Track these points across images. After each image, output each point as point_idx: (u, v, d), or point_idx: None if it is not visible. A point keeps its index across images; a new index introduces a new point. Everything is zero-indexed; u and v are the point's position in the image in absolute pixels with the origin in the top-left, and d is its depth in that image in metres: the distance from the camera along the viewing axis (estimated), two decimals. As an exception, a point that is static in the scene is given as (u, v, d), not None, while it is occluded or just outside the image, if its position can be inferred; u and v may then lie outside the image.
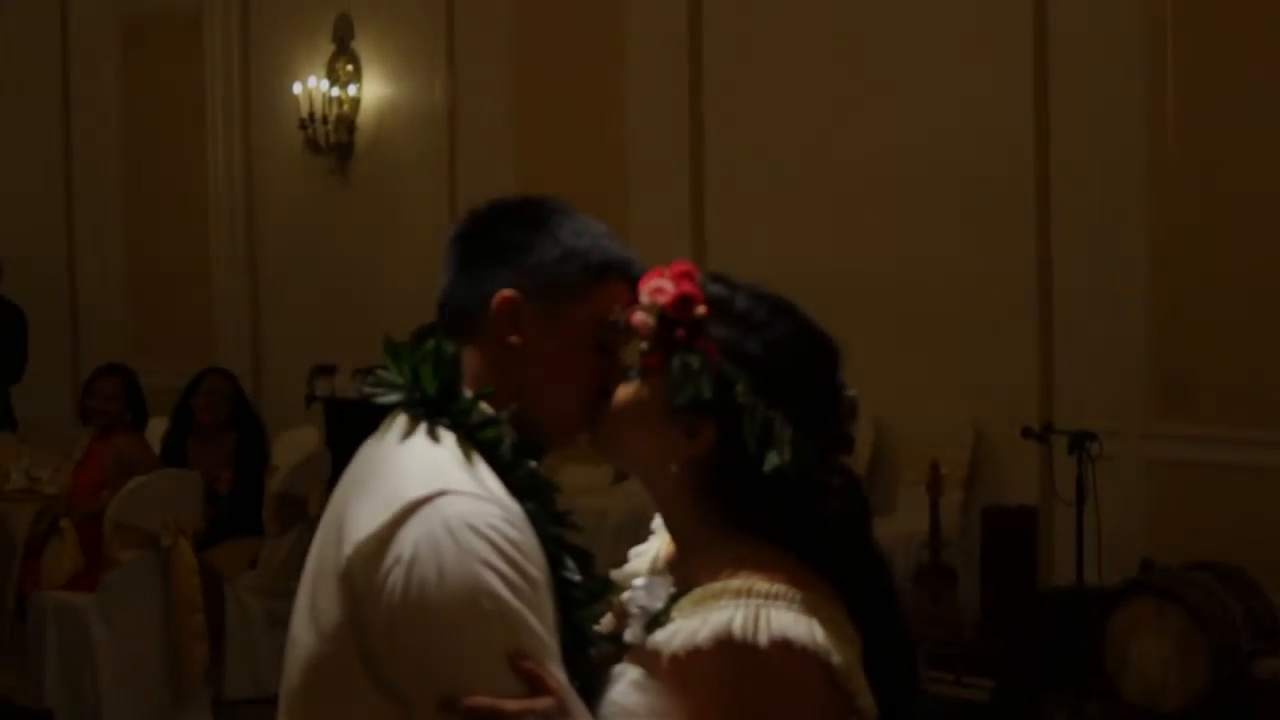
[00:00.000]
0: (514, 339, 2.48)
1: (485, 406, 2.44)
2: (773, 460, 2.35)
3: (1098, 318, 9.25)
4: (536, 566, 2.30)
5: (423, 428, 2.41)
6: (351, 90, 12.82)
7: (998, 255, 9.67)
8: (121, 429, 8.65)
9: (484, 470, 2.37)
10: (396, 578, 2.25)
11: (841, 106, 10.30)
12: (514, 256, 2.50)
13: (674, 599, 2.42)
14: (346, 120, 12.82)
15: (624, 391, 2.47)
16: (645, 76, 11.26)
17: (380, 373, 2.49)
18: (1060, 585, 8.63)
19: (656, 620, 2.40)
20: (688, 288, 2.43)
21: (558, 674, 2.26)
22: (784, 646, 2.24)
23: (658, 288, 2.44)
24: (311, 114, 12.76)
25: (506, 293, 2.47)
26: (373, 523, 2.30)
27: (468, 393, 2.45)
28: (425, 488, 2.29)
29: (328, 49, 12.95)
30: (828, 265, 10.30)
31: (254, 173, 13.60)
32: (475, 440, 2.41)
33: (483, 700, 2.21)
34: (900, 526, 9.55)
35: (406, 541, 2.26)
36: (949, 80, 9.85)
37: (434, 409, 2.44)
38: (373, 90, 12.83)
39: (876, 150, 10.13)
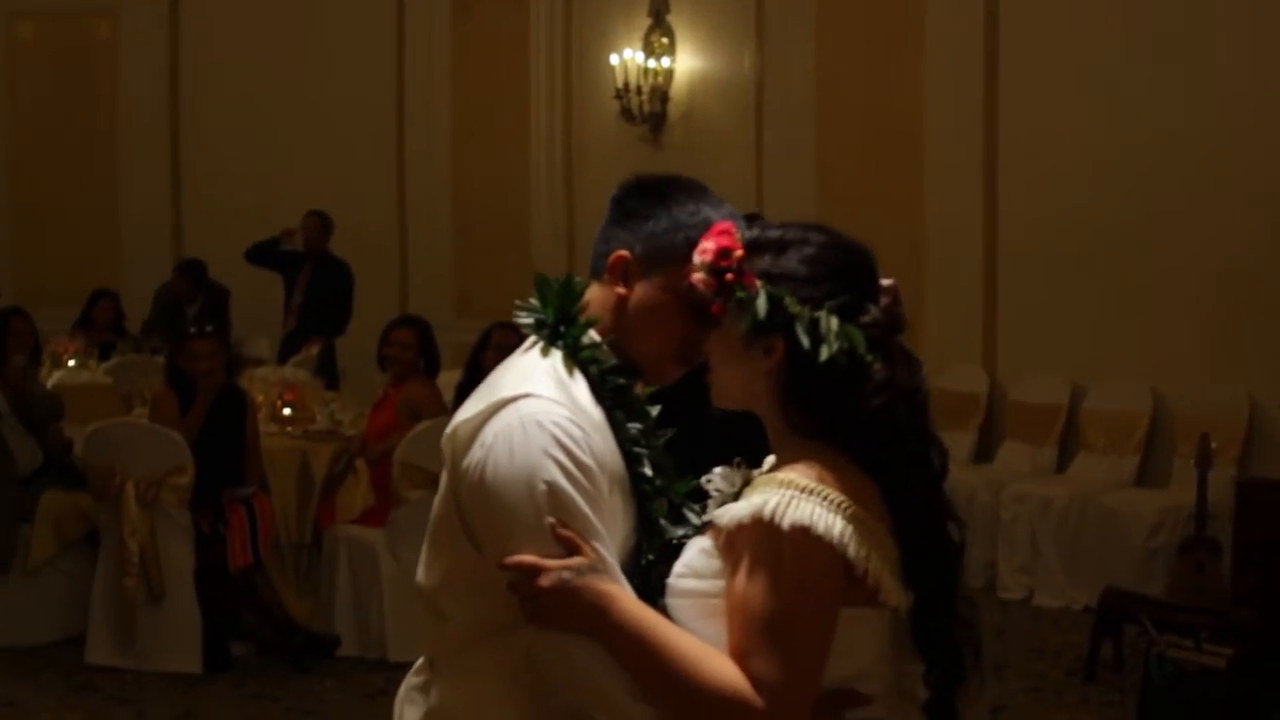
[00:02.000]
0: (620, 290, 3.02)
1: (593, 333, 2.99)
2: (825, 351, 2.73)
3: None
4: (597, 460, 2.80)
5: (540, 345, 2.99)
6: (665, 62, 13.21)
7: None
8: (415, 376, 9.08)
9: (578, 382, 2.93)
10: (478, 459, 2.80)
11: (1133, 80, 10.39)
12: (635, 224, 3.03)
13: (745, 486, 2.85)
14: (660, 91, 13.23)
15: (710, 341, 2.90)
16: (943, 52, 11.45)
17: (531, 300, 3.06)
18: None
19: (727, 502, 2.83)
20: (724, 240, 2.86)
21: (597, 546, 2.73)
22: (802, 532, 2.63)
23: (703, 249, 2.88)
24: (627, 84, 13.19)
25: (621, 252, 3.02)
26: (471, 412, 2.88)
27: (582, 321, 3.00)
28: (514, 390, 2.85)
29: (644, 22, 13.35)
30: (1112, 240, 10.42)
31: (573, 141, 14.04)
32: (577, 358, 2.96)
33: (528, 558, 2.71)
34: (1172, 499, 9.64)
35: (490, 432, 2.81)
36: (1236, 57, 9.88)
37: (553, 331, 3.00)
38: (685, 63, 13.20)
39: (1165, 126, 10.20)
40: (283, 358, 12.81)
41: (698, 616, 2.73)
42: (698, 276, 2.87)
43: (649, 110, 13.24)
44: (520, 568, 2.70)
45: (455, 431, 2.88)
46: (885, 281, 2.85)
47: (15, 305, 11.04)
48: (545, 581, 2.68)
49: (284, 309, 13.54)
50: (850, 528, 2.65)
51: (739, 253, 2.84)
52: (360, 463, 9.16)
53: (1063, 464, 10.71)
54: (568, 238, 14.01)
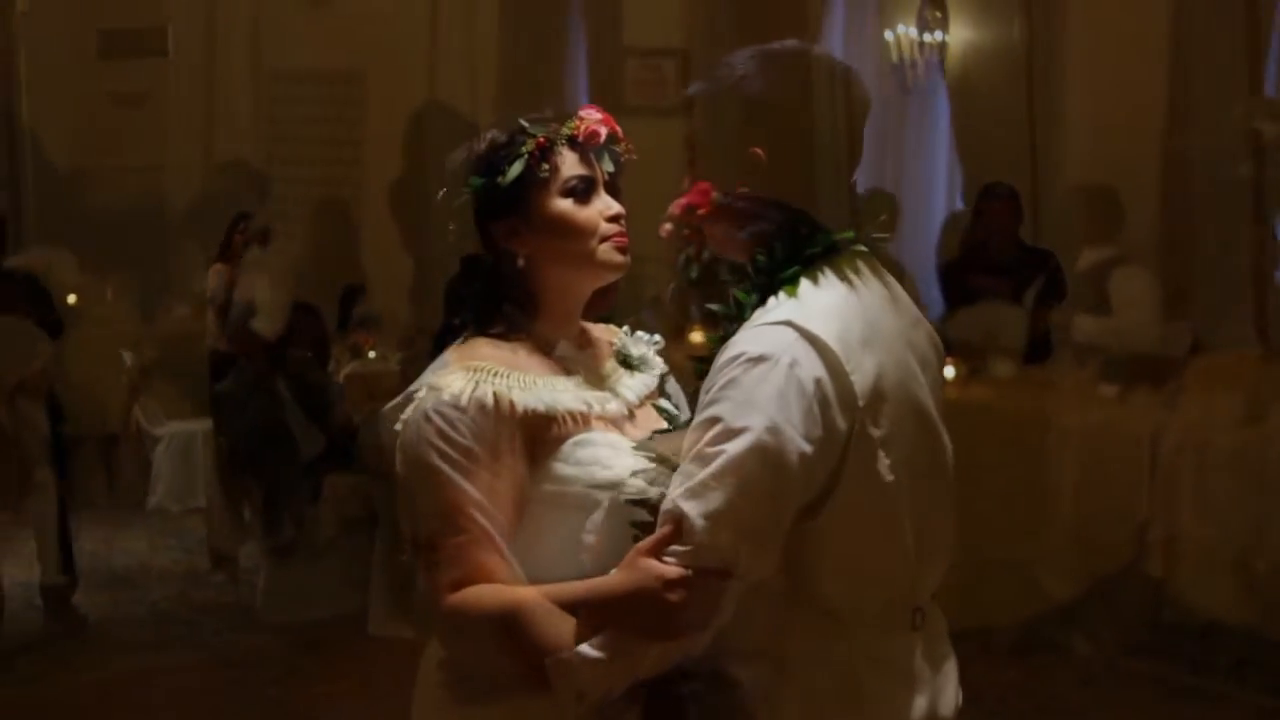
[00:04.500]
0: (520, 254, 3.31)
1: (511, 311, 3.30)
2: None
3: None
4: (479, 436, 3.08)
5: (474, 338, 3.31)
6: (939, 36, 13.28)
7: None
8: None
9: (518, 347, 3.26)
10: (397, 453, 3.18)
11: None
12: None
13: None
14: (934, 65, 13.30)
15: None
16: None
17: None
18: None
19: None
20: (695, 199, 3.21)
21: (479, 519, 3.05)
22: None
23: (676, 204, 3.24)
24: (901, 59, 13.30)
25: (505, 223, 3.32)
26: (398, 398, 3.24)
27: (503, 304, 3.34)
28: (422, 383, 3.19)
29: (917, -3, 13.44)
30: None
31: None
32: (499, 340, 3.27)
33: (426, 541, 3.08)
34: None
35: (403, 429, 3.18)
36: None
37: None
38: (958, 34, 13.23)
39: None
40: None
41: None
42: (665, 227, 3.23)
43: (924, 84, 13.32)
44: (425, 547, 3.09)
45: (389, 422, 3.24)
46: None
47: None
48: (437, 558, 3.05)
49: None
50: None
51: (702, 212, 3.17)
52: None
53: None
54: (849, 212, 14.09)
